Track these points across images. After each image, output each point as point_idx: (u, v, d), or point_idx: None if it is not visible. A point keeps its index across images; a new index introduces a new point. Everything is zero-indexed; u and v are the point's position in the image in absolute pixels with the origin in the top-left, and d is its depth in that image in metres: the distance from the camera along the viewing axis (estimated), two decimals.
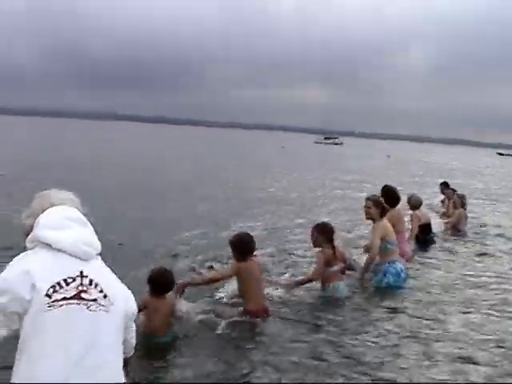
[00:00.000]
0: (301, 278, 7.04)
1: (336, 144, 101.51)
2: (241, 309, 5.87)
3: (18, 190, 13.71)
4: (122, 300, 2.57)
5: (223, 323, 5.63)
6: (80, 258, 2.48)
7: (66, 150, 32.65)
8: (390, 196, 8.46)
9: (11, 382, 2.28)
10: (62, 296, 2.35)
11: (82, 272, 2.45)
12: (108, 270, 2.65)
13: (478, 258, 9.35)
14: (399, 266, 7.46)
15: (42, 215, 2.55)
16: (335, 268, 6.72)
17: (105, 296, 2.47)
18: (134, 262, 7.51)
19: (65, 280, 2.39)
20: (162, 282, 5.19)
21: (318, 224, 7.01)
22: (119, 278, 2.60)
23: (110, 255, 3.00)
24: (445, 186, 15.18)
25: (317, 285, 6.85)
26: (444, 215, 13.53)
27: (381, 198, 7.82)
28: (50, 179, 16.63)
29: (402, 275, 7.47)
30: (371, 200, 7.53)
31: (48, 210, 2.58)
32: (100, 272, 2.55)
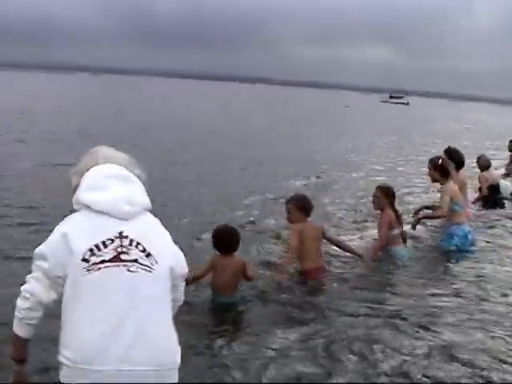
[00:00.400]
0: (376, 242, 6.90)
1: (402, 104, 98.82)
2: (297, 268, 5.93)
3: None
4: (170, 257, 2.50)
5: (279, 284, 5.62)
6: (121, 218, 2.41)
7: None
8: (453, 158, 8.26)
9: (59, 349, 2.28)
10: (101, 259, 2.30)
11: (121, 233, 2.38)
12: (156, 226, 2.56)
13: None
14: (467, 228, 7.40)
15: (85, 174, 2.51)
16: (396, 231, 6.73)
17: (148, 255, 2.40)
18: None
19: (103, 242, 2.34)
20: (226, 239, 5.07)
21: (380, 186, 7.04)
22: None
23: None
24: None
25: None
26: None
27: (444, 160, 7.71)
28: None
29: (470, 237, 7.38)
30: (430, 163, 7.51)
31: (92, 169, 2.52)
32: (144, 230, 2.46)
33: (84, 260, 2.29)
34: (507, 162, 14.31)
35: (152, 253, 2.41)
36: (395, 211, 6.76)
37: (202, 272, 5.01)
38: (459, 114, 60.13)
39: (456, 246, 7.25)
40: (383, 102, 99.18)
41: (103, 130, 19.37)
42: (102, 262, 2.30)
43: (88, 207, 2.42)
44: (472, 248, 7.35)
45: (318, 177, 13.14)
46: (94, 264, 2.29)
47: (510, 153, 14.31)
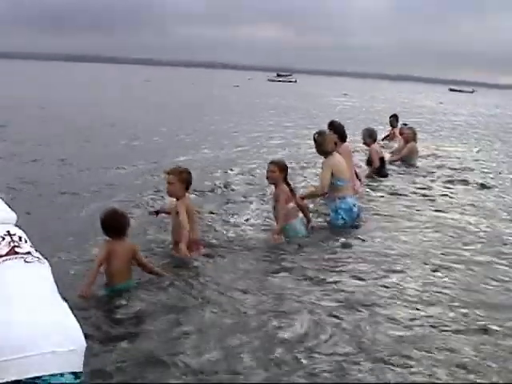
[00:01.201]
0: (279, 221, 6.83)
1: (290, 82, 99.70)
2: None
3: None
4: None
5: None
6: (3, 223, 2.69)
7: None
8: (339, 131, 8.50)
9: None
10: None
11: (9, 231, 2.63)
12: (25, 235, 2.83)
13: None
14: (351, 201, 7.44)
15: None
16: (292, 205, 6.75)
17: (36, 250, 2.73)
18: None
19: None
20: (115, 222, 4.94)
21: (274, 161, 7.01)
22: None
23: None
24: (395, 119, 14.99)
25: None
26: (396, 151, 13.04)
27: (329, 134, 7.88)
28: None
29: (355, 210, 7.46)
30: (317, 134, 7.56)
31: None
32: (23, 233, 2.76)
33: None
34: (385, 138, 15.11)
35: (37, 250, 2.76)
36: (288, 185, 6.76)
37: (99, 259, 4.88)
38: (345, 91, 61.21)
39: (343, 219, 7.31)
40: (270, 80, 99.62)
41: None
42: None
43: None
44: (358, 221, 7.50)
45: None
46: None
47: (390, 128, 15.17)
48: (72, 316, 2.61)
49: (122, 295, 4.90)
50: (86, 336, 2.78)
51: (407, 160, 12.19)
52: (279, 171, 6.70)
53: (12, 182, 9.11)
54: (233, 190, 9.50)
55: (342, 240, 6.80)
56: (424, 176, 11.28)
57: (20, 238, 2.64)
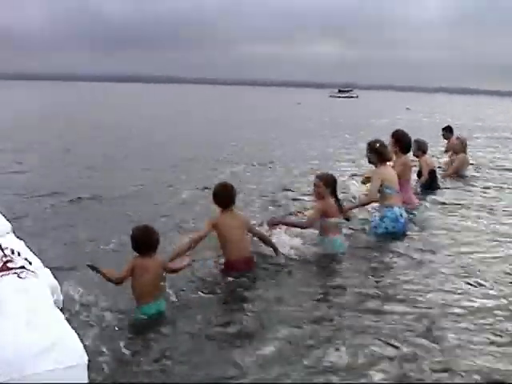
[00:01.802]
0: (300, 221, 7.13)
1: (351, 97, 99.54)
2: (221, 261, 5.93)
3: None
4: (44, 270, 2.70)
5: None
6: None
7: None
8: (401, 141, 8.52)
9: None
10: None
11: (0, 245, 2.50)
12: (23, 243, 2.75)
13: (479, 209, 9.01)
14: (398, 210, 7.37)
15: None
16: (333, 220, 6.62)
17: (30, 263, 2.56)
18: None
19: None
20: (144, 240, 4.86)
21: (319, 175, 6.91)
22: None
23: None
24: (448, 131, 14.25)
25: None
26: (445, 164, 12.57)
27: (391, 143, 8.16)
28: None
29: (401, 220, 7.37)
30: (369, 145, 7.59)
31: None
32: (19, 243, 2.65)
33: None
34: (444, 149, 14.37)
35: (32, 261, 2.59)
36: (336, 199, 6.66)
37: (122, 274, 4.77)
38: (408, 105, 60.43)
39: (386, 228, 7.27)
40: (332, 96, 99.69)
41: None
42: None
43: None
44: (405, 230, 7.37)
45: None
46: None
47: (445, 141, 14.43)
48: (71, 331, 2.56)
49: (153, 320, 4.73)
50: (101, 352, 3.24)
51: (458, 172, 11.86)
52: (324, 185, 6.63)
53: None
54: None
55: (391, 256, 6.55)
56: (475, 186, 10.95)
57: (12, 251, 2.51)
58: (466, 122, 32.95)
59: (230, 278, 5.64)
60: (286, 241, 6.56)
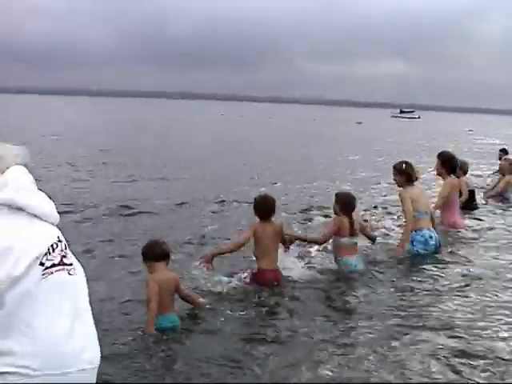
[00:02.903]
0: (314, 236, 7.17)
1: (413, 118, 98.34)
2: (254, 268, 6.02)
3: None
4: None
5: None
6: (52, 224, 2.44)
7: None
8: (447, 162, 8.45)
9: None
10: (51, 263, 2.34)
11: (58, 237, 2.43)
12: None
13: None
14: (427, 233, 7.25)
15: (7, 175, 2.37)
16: (346, 240, 6.49)
17: (74, 261, 2.49)
18: None
19: (51, 246, 2.36)
20: (156, 251, 4.92)
21: (337, 193, 6.91)
22: None
23: None
24: (503, 152, 13.92)
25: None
26: (493, 185, 12.28)
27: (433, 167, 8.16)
28: None
29: (432, 242, 7.25)
30: (395, 168, 7.51)
31: (14, 170, 2.40)
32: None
33: (41, 264, 2.30)
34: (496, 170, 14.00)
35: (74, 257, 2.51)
36: (350, 220, 6.48)
37: (154, 294, 4.74)
38: (470, 127, 59.23)
39: (417, 251, 7.19)
40: (394, 117, 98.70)
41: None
42: (53, 265, 2.34)
43: (18, 209, 2.33)
44: (437, 254, 7.22)
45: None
46: (47, 268, 2.32)
47: (499, 161, 13.94)
48: (95, 331, 2.53)
49: (166, 335, 4.67)
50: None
51: (504, 194, 11.46)
52: (337, 203, 6.58)
53: None
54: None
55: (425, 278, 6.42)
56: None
57: (65, 246, 2.45)
58: None
59: (257, 290, 5.77)
60: (298, 260, 6.63)
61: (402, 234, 7.48)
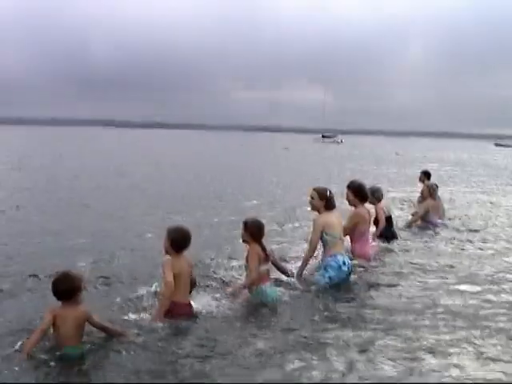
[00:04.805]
0: (242, 282, 6.66)
1: (336, 142, 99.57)
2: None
3: None
4: None
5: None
6: None
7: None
8: (357, 192, 8.32)
9: None
10: None
11: None
12: None
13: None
14: (341, 258, 7.22)
15: None
16: (263, 267, 6.43)
17: None
18: None
19: None
20: (64, 287, 4.91)
21: (246, 220, 6.65)
22: None
23: None
24: (423, 174, 13.70)
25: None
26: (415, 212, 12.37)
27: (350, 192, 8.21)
28: None
29: (344, 268, 7.20)
30: (315, 191, 7.47)
31: None
32: None
33: None
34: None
35: None
36: (262, 247, 6.45)
37: (42, 327, 4.84)
38: (398, 150, 60.50)
39: (329, 278, 7.09)
40: (317, 142, 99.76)
41: None
42: None
43: None
44: (349, 278, 7.26)
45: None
46: None
47: (420, 183, 13.75)
48: None
49: (74, 362, 4.74)
50: None
51: (426, 219, 11.58)
52: (244, 230, 6.52)
53: None
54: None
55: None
56: (435, 234, 10.85)
57: None
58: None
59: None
60: None
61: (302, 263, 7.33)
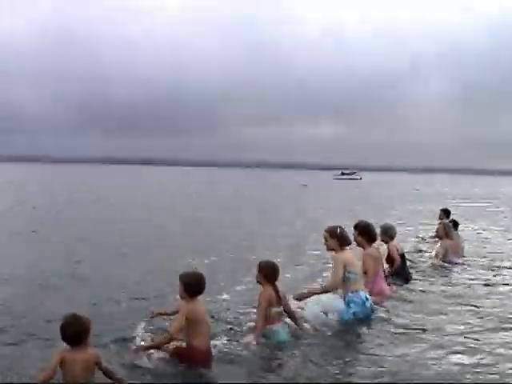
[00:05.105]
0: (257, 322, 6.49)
1: (355, 179, 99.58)
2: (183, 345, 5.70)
3: None
4: None
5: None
6: None
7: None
8: (365, 232, 8.21)
9: None
10: None
11: None
12: None
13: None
14: (363, 294, 7.32)
15: None
16: (276, 309, 6.45)
17: None
18: None
19: None
20: (75, 330, 4.75)
21: (260, 262, 6.67)
22: None
23: None
24: (443, 213, 13.68)
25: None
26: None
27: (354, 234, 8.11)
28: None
29: (367, 304, 7.30)
30: (326, 231, 7.50)
31: None
32: None
33: None
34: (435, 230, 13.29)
35: None
36: (275, 288, 6.46)
37: (50, 370, 4.63)
38: (417, 186, 60.10)
39: (354, 313, 7.16)
40: (336, 179, 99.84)
41: None
42: None
43: None
44: (371, 315, 7.29)
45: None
46: None
47: (439, 220, 13.64)
48: None
49: None
50: None
51: (446, 259, 11.25)
52: (258, 271, 6.55)
53: None
54: None
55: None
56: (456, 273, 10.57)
57: None
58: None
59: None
60: None
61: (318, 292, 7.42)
